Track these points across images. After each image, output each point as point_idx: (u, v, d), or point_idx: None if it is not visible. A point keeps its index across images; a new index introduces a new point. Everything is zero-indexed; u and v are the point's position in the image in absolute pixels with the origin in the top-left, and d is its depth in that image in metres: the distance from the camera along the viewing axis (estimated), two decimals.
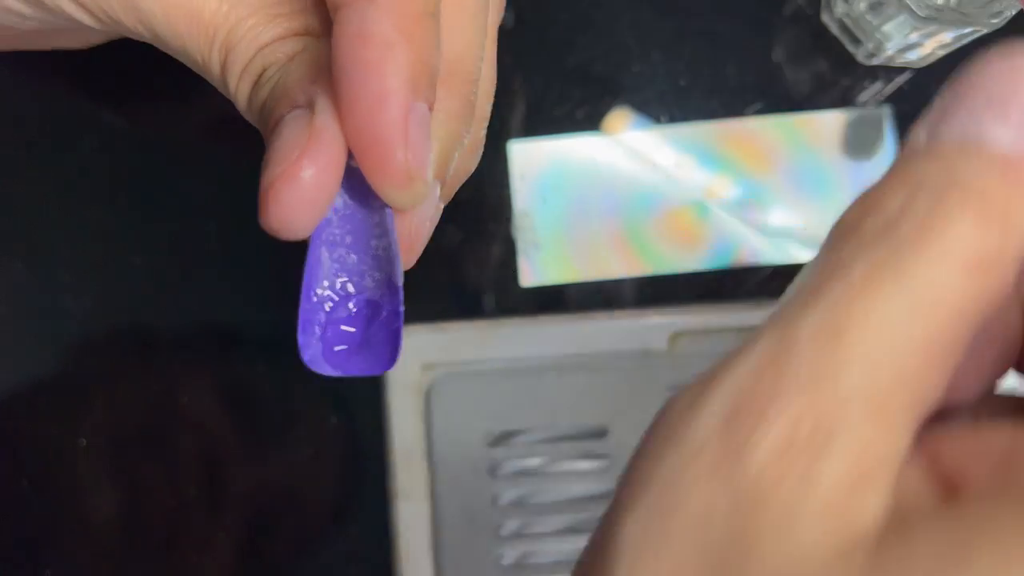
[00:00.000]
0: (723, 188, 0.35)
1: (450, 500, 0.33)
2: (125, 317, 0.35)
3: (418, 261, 0.20)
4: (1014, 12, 0.30)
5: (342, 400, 0.35)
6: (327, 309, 0.17)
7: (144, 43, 0.20)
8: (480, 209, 0.35)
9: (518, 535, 0.33)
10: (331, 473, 0.35)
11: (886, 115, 0.35)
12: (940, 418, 0.13)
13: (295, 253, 0.19)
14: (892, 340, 0.11)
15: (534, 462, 0.34)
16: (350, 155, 0.16)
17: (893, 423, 0.11)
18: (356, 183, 0.17)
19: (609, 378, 0.34)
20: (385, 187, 0.16)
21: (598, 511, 0.33)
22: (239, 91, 0.18)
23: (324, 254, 0.17)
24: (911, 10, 0.30)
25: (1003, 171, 0.12)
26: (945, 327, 0.11)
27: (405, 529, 0.34)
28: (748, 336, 0.13)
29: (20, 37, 0.23)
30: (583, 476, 0.33)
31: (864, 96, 0.35)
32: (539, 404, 0.34)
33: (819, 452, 0.11)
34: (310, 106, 0.16)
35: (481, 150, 0.21)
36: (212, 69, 0.18)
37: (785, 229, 0.35)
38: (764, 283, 0.35)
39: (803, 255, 0.35)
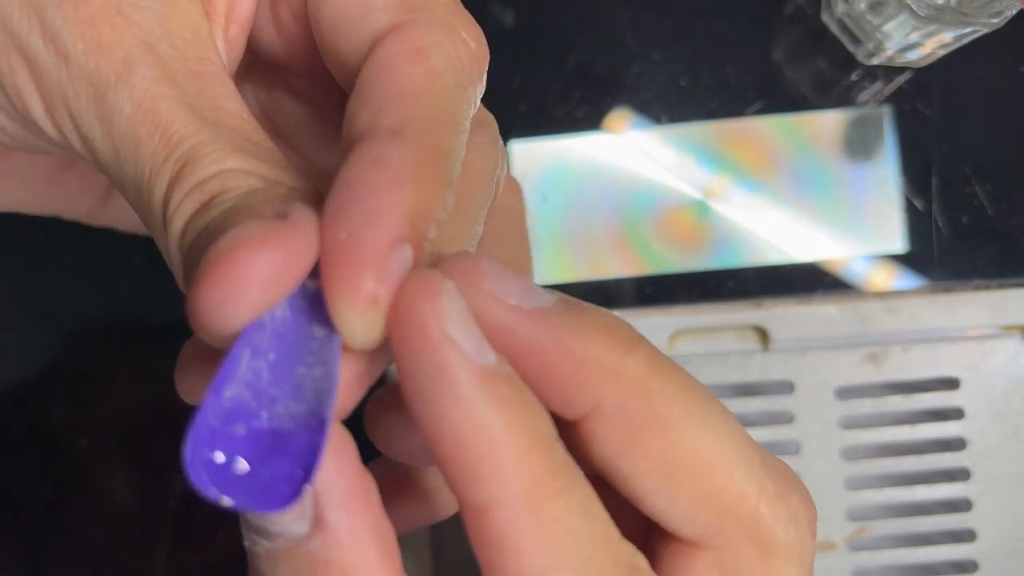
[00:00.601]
0: (723, 188, 0.35)
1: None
2: (125, 317, 0.35)
3: None
4: (1014, 12, 0.30)
5: None
6: (228, 418, 0.15)
7: None
8: None
9: None
10: None
11: (886, 115, 0.35)
12: None
13: None
14: None
15: None
16: (310, 276, 0.15)
17: None
18: (306, 304, 0.15)
19: None
20: (342, 305, 0.14)
21: None
22: (180, 209, 0.16)
23: (246, 355, 0.15)
24: (911, 10, 0.30)
25: None
26: None
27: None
28: None
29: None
30: None
31: (864, 96, 0.35)
32: None
33: None
34: (280, 216, 0.14)
35: None
36: (155, 183, 0.16)
37: (785, 229, 0.35)
38: (764, 283, 0.35)
39: (803, 255, 0.35)
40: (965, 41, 0.32)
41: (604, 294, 0.35)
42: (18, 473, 0.35)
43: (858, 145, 0.35)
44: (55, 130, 0.17)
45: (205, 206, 0.16)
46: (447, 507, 0.21)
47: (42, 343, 0.35)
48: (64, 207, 0.25)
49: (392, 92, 0.16)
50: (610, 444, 0.15)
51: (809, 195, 0.35)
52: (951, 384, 0.34)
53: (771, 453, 0.16)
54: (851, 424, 0.34)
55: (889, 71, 0.35)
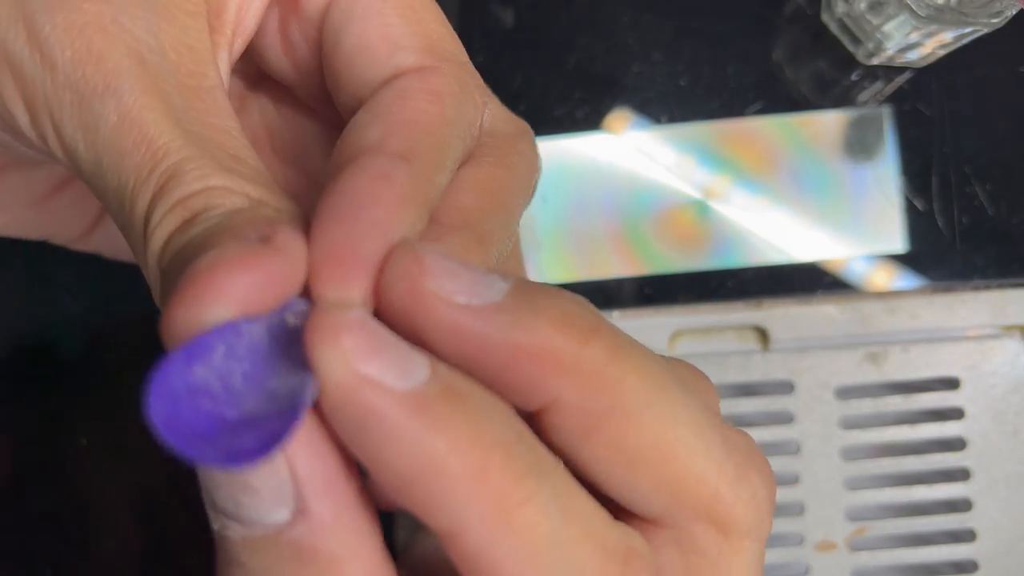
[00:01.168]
0: (723, 188, 0.35)
1: None
2: (125, 317, 0.35)
3: None
4: (1014, 12, 0.30)
5: None
6: (194, 391, 0.14)
7: None
8: None
9: None
10: None
11: (886, 115, 0.35)
12: None
13: None
14: None
15: None
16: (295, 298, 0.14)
17: None
18: (284, 329, 0.14)
19: None
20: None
21: None
22: (161, 226, 0.15)
23: (220, 350, 0.14)
24: (911, 10, 0.30)
25: None
26: None
27: (405, 529, 0.34)
28: None
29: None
30: None
31: (864, 96, 0.35)
32: None
33: None
34: (264, 240, 0.14)
35: None
36: (138, 196, 0.16)
37: (785, 229, 0.35)
38: (764, 283, 0.35)
39: (803, 255, 0.35)
40: (965, 41, 0.32)
41: (604, 294, 0.35)
42: (18, 473, 0.35)
43: (858, 145, 0.35)
44: (38, 139, 0.17)
45: (187, 223, 0.15)
46: None
47: (42, 342, 0.35)
48: (53, 231, 0.25)
49: (406, 121, 0.16)
50: (569, 436, 0.15)
51: (809, 195, 0.35)
52: (951, 384, 0.34)
53: (734, 427, 0.16)
54: (851, 424, 0.34)
55: (889, 71, 0.35)
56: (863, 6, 0.33)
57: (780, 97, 0.35)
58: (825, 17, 0.35)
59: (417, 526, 0.15)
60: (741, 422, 0.34)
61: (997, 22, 0.30)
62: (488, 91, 0.19)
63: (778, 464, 0.33)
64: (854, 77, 0.35)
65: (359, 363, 0.13)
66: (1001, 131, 0.35)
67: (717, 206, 0.35)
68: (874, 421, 0.34)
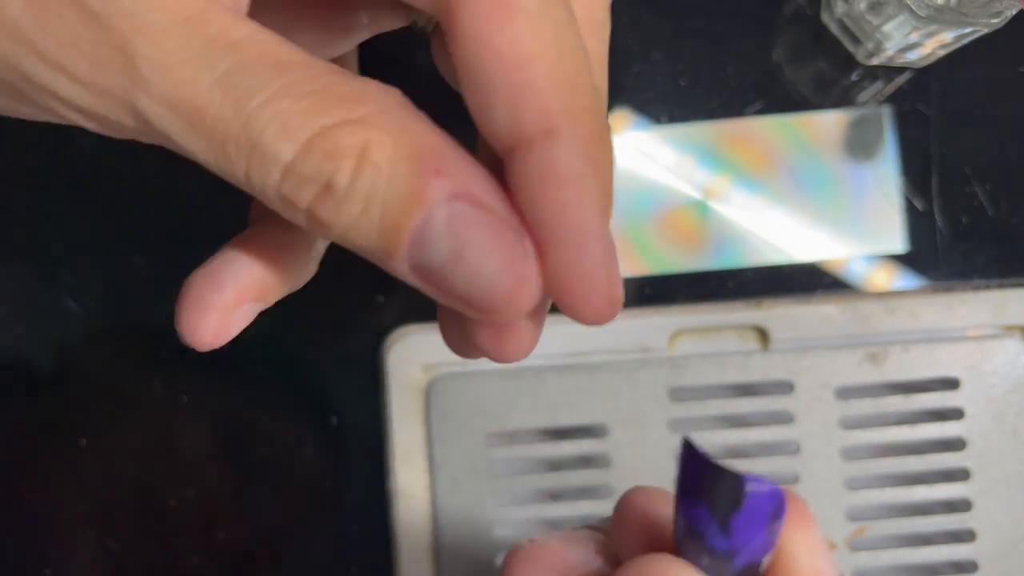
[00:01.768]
0: (723, 188, 0.35)
1: (450, 500, 0.33)
2: (125, 317, 0.35)
3: None
4: (1014, 12, 0.30)
5: (342, 400, 0.35)
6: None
7: None
8: None
9: (518, 535, 0.33)
10: (331, 473, 0.35)
11: (886, 115, 0.35)
12: None
13: None
14: None
15: (534, 462, 0.34)
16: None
17: None
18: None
19: (609, 378, 0.34)
20: (587, 319, 0.16)
21: (598, 510, 0.33)
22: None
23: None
24: (911, 10, 0.30)
25: None
26: None
27: (405, 529, 0.34)
28: None
29: None
30: (583, 475, 0.33)
31: (864, 96, 0.35)
32: (539, 404, 0.34)
33: None
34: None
35: None
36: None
37: (785, 229, 0.35)
38: (764, 283, 0.35)
39: (803, 255, 0.35)
40: (965, 41, 0.32)
41: None
42: (18, 473, 0.35)
43: (858, 145, 0.35)
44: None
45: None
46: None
47: (42, 342, 0.35)
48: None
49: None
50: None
51: (809, 195, 0.35)
52: (951, 384, 0.34)
53: None
54: (851, 424, 0.34)
55: (889, 71, 0.35)
56: (863, 6, 0.33)
57: (780, 97, 0.35)
58: (825, 17, 0.35)
59: None
60: (741, 422, 0.34)
61: (997, 22, 0.30)
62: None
63: (778, 464, 0.34)
64: (854, 77, 0.35)
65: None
66: (1001, 131, 0.35)
67: (717, 206, 0.35)
68: (874, 421, 0.34)
